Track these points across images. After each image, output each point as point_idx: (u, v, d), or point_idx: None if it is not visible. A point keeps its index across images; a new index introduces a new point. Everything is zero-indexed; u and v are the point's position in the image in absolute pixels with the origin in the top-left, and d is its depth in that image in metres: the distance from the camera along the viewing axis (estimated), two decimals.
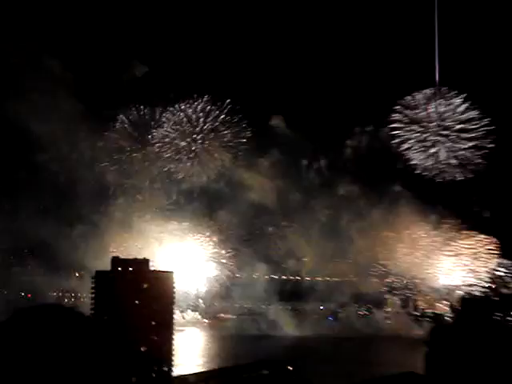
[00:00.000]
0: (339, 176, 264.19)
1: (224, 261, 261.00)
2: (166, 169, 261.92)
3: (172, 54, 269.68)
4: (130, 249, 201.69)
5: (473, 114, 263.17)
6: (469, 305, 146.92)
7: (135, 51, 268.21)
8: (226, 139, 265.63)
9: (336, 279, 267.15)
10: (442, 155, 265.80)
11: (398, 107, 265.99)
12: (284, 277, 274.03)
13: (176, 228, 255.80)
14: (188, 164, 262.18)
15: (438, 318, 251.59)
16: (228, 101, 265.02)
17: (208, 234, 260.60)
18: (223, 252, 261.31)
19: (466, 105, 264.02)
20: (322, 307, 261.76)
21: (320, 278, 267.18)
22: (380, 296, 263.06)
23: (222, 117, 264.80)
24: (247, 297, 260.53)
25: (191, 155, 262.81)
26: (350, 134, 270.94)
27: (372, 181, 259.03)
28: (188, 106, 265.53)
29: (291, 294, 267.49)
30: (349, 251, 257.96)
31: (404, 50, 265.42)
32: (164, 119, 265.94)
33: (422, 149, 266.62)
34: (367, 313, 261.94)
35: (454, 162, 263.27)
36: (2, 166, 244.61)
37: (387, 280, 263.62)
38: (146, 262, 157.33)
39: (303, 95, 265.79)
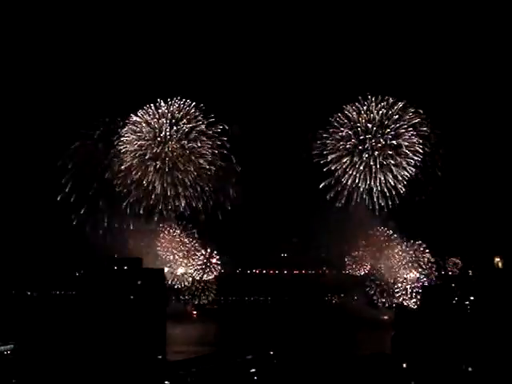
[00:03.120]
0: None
1: (202, 258, 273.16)
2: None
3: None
4: (118, 248, 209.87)
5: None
6: (429, 291, 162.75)
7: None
8: (194, 147, 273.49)
9: (298, 271, 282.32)
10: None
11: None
12: (255, 271, 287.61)
13: (156, 229, 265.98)
14: (153, 174, 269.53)
15: (396, 303, 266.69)
16: (201, 106, 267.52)
17: (187, 234, 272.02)
18: (203, 251, 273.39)
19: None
20: (289, 297, 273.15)
21: (286, 271, 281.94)
22: (340, 286, 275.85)
23: (190, 125, 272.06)
24: (224, 290, 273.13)
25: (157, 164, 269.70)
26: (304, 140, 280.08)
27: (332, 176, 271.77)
28: (150, 113, 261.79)
29: (260, 286, 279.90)
30: (311, 247, 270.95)
31: (356, 59, 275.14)
32: (125, 130, 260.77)
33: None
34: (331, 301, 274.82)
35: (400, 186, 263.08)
36: None
37: (349, 271, 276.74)
38: (138, 260, 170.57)
39: (257, 105, 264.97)
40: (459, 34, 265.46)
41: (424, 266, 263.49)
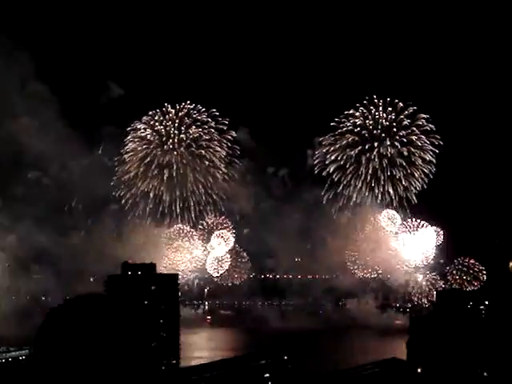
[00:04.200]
0: (303, 183, 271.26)
1: (210, 262, 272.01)
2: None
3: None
4: (129, 253, 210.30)
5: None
6: (444, 296, 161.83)
7: (110, 73, 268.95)
8: (199, 151, 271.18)
9: (310, 277, 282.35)
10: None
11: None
12: (267, 275, 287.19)
13: (164, 233, 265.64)
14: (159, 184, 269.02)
15: (410, 308, 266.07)
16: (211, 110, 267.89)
17: (193, 238, 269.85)
18: (213, 254, 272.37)
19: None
20: (301, 302, 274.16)
21: (297, 276, 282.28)
22: (352, 290, 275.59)
23: (194, 129, 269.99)
24: (234, 294, 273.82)
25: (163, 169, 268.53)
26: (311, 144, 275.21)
27: (335, 187, 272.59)
28: (155, 119, 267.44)
29: (272, 290, 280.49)
30: (321, 251, 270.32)
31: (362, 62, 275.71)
32: (130, 138, 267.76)
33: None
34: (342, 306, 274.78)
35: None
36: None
37: (358, 276, 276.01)
38: (152, 266, 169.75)
39: (265, 107, 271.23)
40: (467, 39, 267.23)
41: (438, 271, 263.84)
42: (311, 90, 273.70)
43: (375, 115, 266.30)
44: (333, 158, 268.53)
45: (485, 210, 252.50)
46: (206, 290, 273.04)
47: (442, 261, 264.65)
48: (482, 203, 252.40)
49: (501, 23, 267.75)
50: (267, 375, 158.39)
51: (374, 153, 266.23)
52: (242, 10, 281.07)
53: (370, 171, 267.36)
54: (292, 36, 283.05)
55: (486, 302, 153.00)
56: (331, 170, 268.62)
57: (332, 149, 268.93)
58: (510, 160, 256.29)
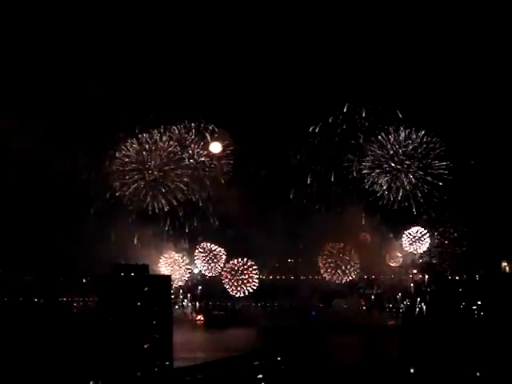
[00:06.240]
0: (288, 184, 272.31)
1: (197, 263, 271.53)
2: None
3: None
4: (118, 254, 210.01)
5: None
6: (436, 296, 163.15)
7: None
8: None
9: (303, 277, 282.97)
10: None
11: None
12: (260, 276, 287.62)
13: (152, 234, 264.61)
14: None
15: (402, 308, 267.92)
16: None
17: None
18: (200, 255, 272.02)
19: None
20: (292, 303, 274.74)
21: (290, 277, 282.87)
22: (342, 291, 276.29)
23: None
24: (223, 295, 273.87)
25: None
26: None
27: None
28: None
29: (264, 291, 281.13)
30: (307, 252, 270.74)
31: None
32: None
33: None
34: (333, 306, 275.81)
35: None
36: None
37: (347, 276, 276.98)
38: (145, 267, 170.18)
39: (246, 110, 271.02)
40: (460, 48, 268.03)
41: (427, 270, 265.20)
42: (295, 98, 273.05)
43: (357, 123, 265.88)
44: (313, 167, 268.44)
45: (478, 209, 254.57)
46: (199, 290, 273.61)
47: (434, 261, 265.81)
48: (475, 202, 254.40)
49: (499, 34, 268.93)
50: (260, 376, 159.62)
51: (355, 163, 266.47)
52: (229, 25, 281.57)
53: (351, 179, 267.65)
54: (279, 42, 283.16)
55: (479, 302, 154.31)
56: (312, 179, 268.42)
57: (313, 158, 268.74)
58: (506, 170, 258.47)
